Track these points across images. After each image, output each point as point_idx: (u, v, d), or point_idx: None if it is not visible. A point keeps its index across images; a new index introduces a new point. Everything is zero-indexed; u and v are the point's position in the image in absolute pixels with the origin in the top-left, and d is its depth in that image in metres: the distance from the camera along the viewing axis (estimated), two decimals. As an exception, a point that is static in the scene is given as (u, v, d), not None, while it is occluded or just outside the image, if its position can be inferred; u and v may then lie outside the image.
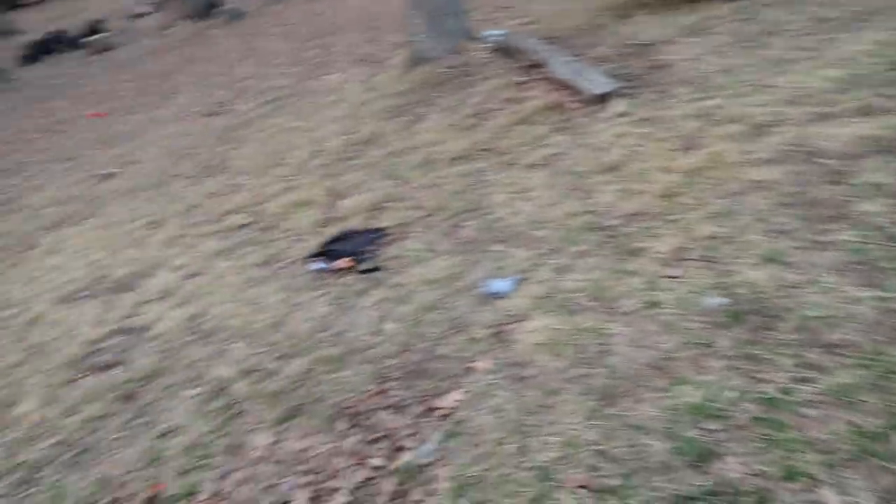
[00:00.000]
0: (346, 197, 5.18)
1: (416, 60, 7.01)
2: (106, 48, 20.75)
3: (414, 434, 2.64)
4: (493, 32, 6.87)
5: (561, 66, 5.62)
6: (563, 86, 5.43)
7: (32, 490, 3.07)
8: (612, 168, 4.17)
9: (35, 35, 26.30)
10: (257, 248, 4.88)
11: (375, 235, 4.38)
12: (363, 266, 4.03)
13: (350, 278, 3.97)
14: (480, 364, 2.84)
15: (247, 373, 3.38)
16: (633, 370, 2.60)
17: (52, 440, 3.39)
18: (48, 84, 18.09)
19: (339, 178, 5.56)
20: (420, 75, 6.79)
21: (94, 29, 23.08)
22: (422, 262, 3.84)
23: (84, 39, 21.70)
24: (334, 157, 6.02)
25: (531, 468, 2.32)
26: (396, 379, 2.96)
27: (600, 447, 2.32)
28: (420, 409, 2.75)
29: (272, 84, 10.17)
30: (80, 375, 3.91)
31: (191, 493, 2.71)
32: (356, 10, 13.63)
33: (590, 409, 2.48)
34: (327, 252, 4.34)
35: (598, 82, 5.20)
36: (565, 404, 2.53)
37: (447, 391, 2.78)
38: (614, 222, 3.61)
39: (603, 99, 5.04)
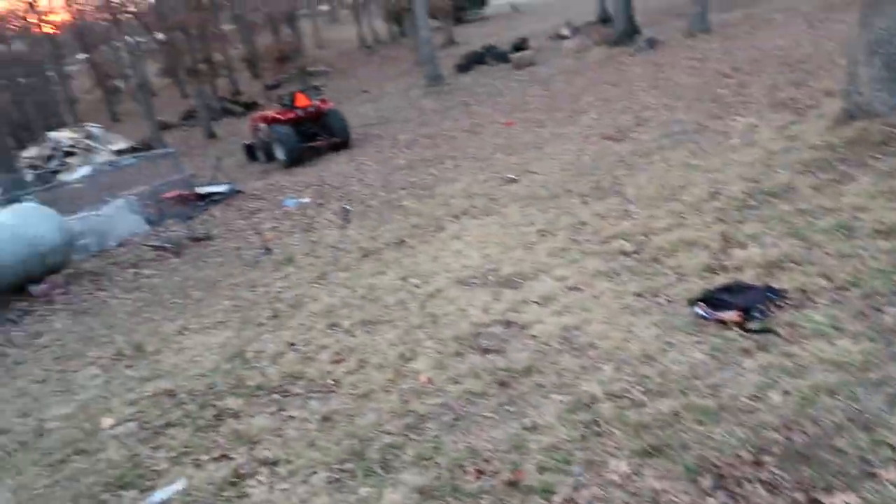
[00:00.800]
0: (740, 246, 4.92)
1: (853, 112, 6.28)
2: (528, 64, 22.94)
3: (787, 522, 2.42)
4: (964, 93, 5.80)
5: None
6: None
7: (417, 437, 3.61)
8: None
9: (470, 47, 30.37)
10: (638, 277, 4.94)
11: (770, 295, 4.07)
12: (752, 324, 3.80)
13: (734, 333, 3.78)
14: (888, 475, 2.46)
15: (613, 396, 3.47)
16: None
17: (437, 400, 3.93)
18: (474, 91, 20.74)
19: (737, 225, 5.30)
20: (855, 130, 6.07)
21: (519, 46, 25.72)
22: (823, 338, 3.46)
23: (510, 54, 24.35)
24: (734, 203, 5.75)
25: None
26: (775, 455, 2.73)
27: None
28: (800, 496, 2.50)
29: (676, 117, 10.12)
30: (466, 351, 4.46)
31: (546, 491, 2.90)
32: (781, 48, 12.75)
33: None
34: (712, 300, 4.18)
35: None
36: None
37: (837, 489, 2.47)
38: None
39: None
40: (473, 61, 26.14)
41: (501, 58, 25.11)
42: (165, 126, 33.03)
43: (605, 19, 26.41)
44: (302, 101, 16.29)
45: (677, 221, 5.80)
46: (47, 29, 41.13)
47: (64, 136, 28.47)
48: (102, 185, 15.86)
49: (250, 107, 32.72)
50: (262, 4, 25.80)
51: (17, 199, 18.25)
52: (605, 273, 5.17)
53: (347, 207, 9.75)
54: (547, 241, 6.33)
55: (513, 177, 9.41)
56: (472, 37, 36.98)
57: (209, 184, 13.91)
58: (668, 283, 4.72)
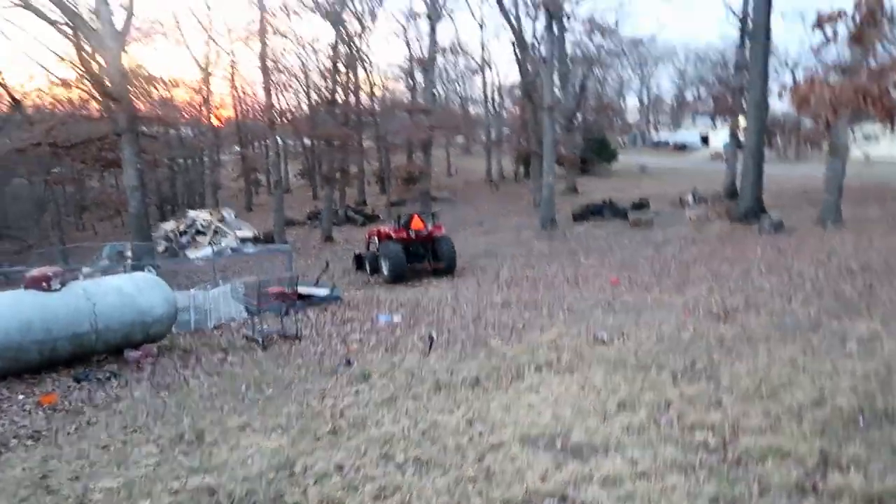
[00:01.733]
0: (840, 469, 4.39)
1: None
2: (645, 224, 22.91)
3: None
4: None
5: None
6: None
7: None
8: None
9: (591, 199, 30.87)
10: (716, 479, 4.48)
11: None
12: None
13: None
14: None
15: None
16: None
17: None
18: (585, 242, 20.81)
19: (839, 443, 4.77)
20: None
21: (639, 205, 25.84)
22: None
23: (629, 213, 24.46)
24: (841, 418, 5.22)
25: None
26: None
27: None
28: None
29: (790, 308, 9.59)
30: (511, 520, 4.13)
31: None
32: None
33: None
34: (798, 526, 3.70)
35: None
36: None
37: None
38: None
39: None
40: (591, 212, 26.45)
41: (619, 214, 25.25)
42: (291, 222, 35.21)
43: (732, 193, 26.19)
44: (417, 223, 16.92)
45: (772, 424, 5.31)
46: (214, 121, 46.02)
47: (200, 215, 30.92)
48: (219, 267, 16.88)
49: (371, 219, 34.47)
50: (403, 129, 27.69)
51: (142, 266, 19.73)
52: (681, 465, 4.74)
53: (433, 335, 9.74)
54: (625, 414, 5.95)
55: (604, 337, 9.10)
56: (596, 189, 37.69)
57: (313, 284, 14.44)
58: (749, 493, 4.24)
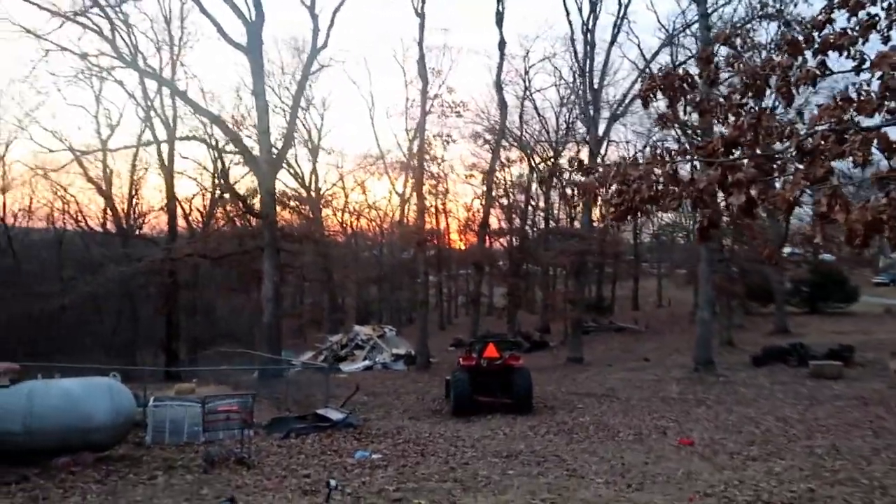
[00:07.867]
0: None
1: None
2: (831, 376, 17.92)
3: None
4: None
5: None
6: None
7: None
8: None
9: (797, 340, 25.42)
10: None
11: None
12: None
13: None
14: None
15: None
16: None
17: None
18: (733, 391, 16.64)
19: None
20: None
21: (836, 352, 20.46)
22: None
23: (813, 360, 19.38)
24: None
25: None
26: None
27: None
28: None
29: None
30: None
31: None
32: None
33: None
34: None
35: None
36: None
37: None
38: None
39: None
40: (773, 357, 21.60)
41: (803, 361, 20.23)
42: (460, 343, 34.40)
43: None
44: (490, 351, 14.83)
45: None
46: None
47: (363, 330, 31.51)
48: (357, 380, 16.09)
49: (539, 345, 32.34)
50: (557, 255, 25.76)
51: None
52: None
53: (331, 483, 7.68)
54: None
55: None
56: (816, 331, 31.33)
57: (327, 408, 12.98)
58: None
